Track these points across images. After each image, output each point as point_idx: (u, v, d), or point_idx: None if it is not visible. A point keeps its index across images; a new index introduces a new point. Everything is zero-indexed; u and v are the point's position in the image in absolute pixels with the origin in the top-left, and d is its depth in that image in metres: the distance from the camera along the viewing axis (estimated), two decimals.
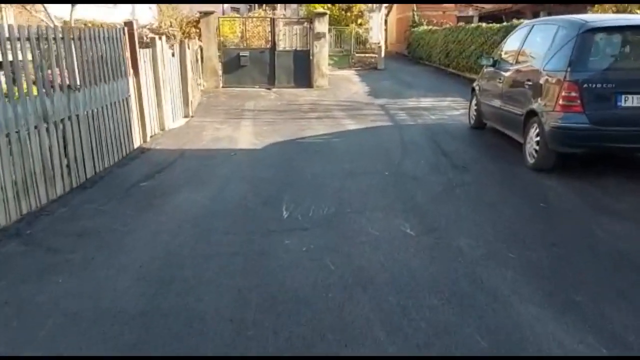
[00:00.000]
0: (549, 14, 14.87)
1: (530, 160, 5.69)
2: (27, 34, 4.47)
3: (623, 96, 5.02)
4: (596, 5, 13.43)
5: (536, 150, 5.56)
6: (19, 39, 4.33)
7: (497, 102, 6.83)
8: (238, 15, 23.09)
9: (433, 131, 7.91)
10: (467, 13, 24.88)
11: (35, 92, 4.57)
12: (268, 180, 5.37)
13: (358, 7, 26.12)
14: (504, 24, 13.30)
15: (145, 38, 9.88)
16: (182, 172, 5.72)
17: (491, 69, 7.32)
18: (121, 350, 2.53)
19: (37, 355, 2.52)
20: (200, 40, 13.41)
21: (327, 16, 14.29)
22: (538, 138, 5.51)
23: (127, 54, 6.62)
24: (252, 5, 25.36)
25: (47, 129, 4.68)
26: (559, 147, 5.32)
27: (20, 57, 4.36)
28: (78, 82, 5.29)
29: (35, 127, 4.50)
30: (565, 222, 4.21)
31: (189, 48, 9.89)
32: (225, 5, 28.55)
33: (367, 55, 22.21)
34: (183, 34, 13.80)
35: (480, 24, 15.32)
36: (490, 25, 14.05)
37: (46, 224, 4.19)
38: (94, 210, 4.50)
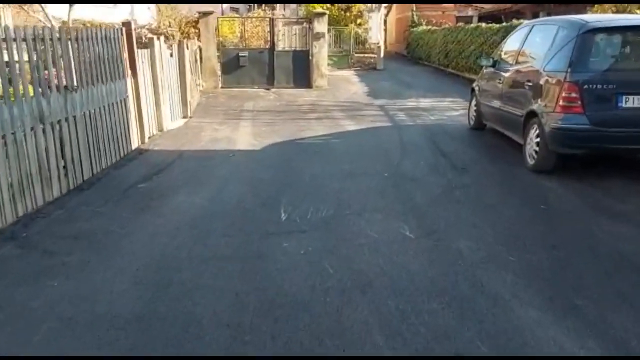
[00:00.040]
0: (549, 14, 14.85)
1: (530, 162, 5.66)
2: (23, 35, 4.44)
3: (624, 97, 4.99)
4: (596, 6, 13.41)
5: (536, 152, 5.53)
6: (14, 40, 4.30)
7: (496, 103, 6.80)
8: (237, 16, 23.06)
9: (432, 132, 7.89)
10: (466, 13, 24.85)
11: (31, 93, 4.53)
12: (267, 182, 5.33)
13: (357, 7, 26.11)
14: (504, 24, 13.28)
15: (144, 38, 9.85)
16: (180, 174, 5.68)
17: (491, 69, 7.29)
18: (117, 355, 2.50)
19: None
20: (199, 41, 13.38)
21: (326, 16, 14.27)
22: (538, 139, 5.48)
23: (125, 55, 6.59)
24: (252, 5, 25.33)
25: (44, 130, 4.64)
26: (559, 148, 5.29)
27: (16, 58, 4.32)
28: (75, 83, 5.26)
29: (32, 129, 4.46)
30: (566, 224, 4.18)
31: (187, 48, 9.86)
32: (225, 6, 28.51)
33: (366, 55, 22.21)
34: (182, 34, 13.77)
35: (479, 24, 15.30)
36: (490, 25, 14.02)
37: (42, 226, 4.15)
38: (91, 212, 4.46)
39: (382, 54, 19.67)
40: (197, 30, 13.92)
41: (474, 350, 2.51)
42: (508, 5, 19.89)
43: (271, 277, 3.25)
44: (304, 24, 15.29)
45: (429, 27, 22.30)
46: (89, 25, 12.07)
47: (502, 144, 6.81)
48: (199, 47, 13.03)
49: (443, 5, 25.11)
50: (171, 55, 8.83)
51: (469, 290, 3.07)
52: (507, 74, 6.59)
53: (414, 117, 9.26)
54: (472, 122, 8.07)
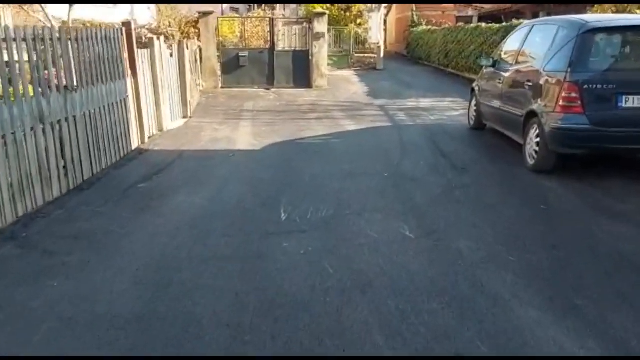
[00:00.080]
0: (549, 14, 14.85)
1: (530, 162, 5.66)
2: (23, 35, 4.44)
3: (624, 97, 4.99)
4: (596, 5, 13.40)
5: (536, 152, 5.53)
6: (14, 40, 4.30)
7: (496, 103, 6.79)
8: (237, 15, 23.05)
9: (432, 132, 7.89)
10: (466, 13, 24.85)
11: (31, 93, 4.53)
12: (267, 182, 5.33)
13: (357, 7, 26.10)
14: (504, 24, 13.28)
15: (144, 38, 9.85)
16: (180, 174, 5.68)
17: (491, 69, 7.29)
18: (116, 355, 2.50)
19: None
20: (199, 41, 13.38)
21: (326, 16, 14.26)
22: (538, 139, 5.48)
23: (125, 55, 6.59)
24: (252, 5, 25.32)
25: (44, 130, 4.64)
26: (559, 148, 5.29)
27: (16, 58, 4.32)
28: (75, 83, 5.26)
29: (32, 129, 4.46)
30: (566, 224, 4.17)
31: (187, 48, 9.86)
32: (225, 5, 28.50)
33: (366, 55, 22.21)
34: (182, 34, 13.77)
35: (479, 24, 15.29)
36: (490, 25, 14.02)
37: (42, 226, 4.15)
38: (91, 212, 4.46)
39: (382, 54, 19.67)
40: (197, 30, 13.92)
41: (474, 351, 2.51)
42: (508, 5, 19.89)
43: (271, 277, 3.25)
44: (304, 24, 15.29)
45: (429, 27, 22.29)
46: (89, 25, 12.08)
47: (502, 144, 6.81)
48: (199, 47, 13.03)
49: (443, 5, 25.11)
50: (171, 55, 8.83)
51: (469, 290, 3.07)
52: (507, 74, 6.59)
53: (414, 117, 9.26)
54: (472, 122, 8.07)
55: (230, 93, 12.83)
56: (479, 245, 3.73)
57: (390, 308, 2.87)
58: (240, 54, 13.81)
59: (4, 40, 4.18)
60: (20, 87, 4.37)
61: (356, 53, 22.52)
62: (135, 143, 6.84)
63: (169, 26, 13.63)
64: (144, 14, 15.03)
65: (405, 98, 11.86)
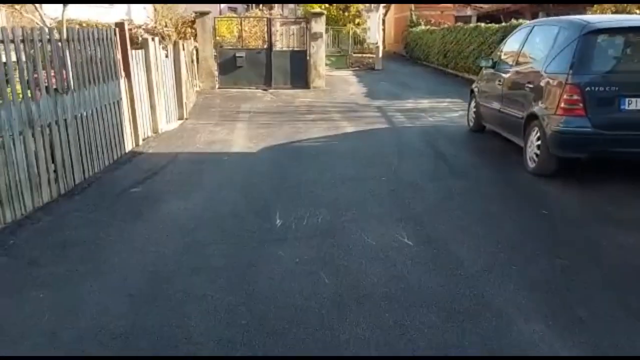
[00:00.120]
0: (548, 15, 14.75)
1: (531, 165, 5.55)
2: (12, 36, 4.31)
3: (627, 99, 4.89)
4: (595, 5, 13.30)
5: (537, 155, 5.42)
6: (1, 42, 4.17)
7: (496, 105, 6.68)
8: (235, 15, 22.92)
9: (431, 134, 7.78)
10: (465, 13, 24.76)
11: (20, 97, 4.41)
12: (262, 186, 5.22)
13: (356, 7, 25.97)
14: (503, 24, 13.17)
15: (140, 38, 9.73)
16: (173, 178, 5.56)
17: (490, 70, 7.18)
18: None
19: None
20: (196, 41, 13.24)
21: (324, 16, 14.15)
22: (539, 142, 5.37)
23: (119, 56, 6.47)
24: (250, 5, 25.18)
25: (33, 135, 4.52)
26: (560, 151, 5.18)
27: (4, 59, 4.20)
28: (66, 85, 5.13)
29: (20, 133, 4.34)
30: (569, 231, 4.06)
31: (183, 49, 9.74)
32: (223, 5, 28.42)
33: (364, 55, 22.09)
34: (178, 34, 13.62)
35: (478, 24, 15.17)
36: (489, 25, 13.91)
37: (30, 233, 4.03)
38: (81, 218, 4.35)
39: (380, 54, 19.57)
40: (193, 31, 13.78)
41: None
42: (507, 5, 19.79)
43: (264, 288, 3.13)
44: (302, 24, 15.17)
45: (428, 27, 22.19)
46: (84, 25, 11.95)
47: (501, 146, 6.70)
48: (196, 47, 12.90)
49: (442, 5, 25.02)
50: (166, 56, 8.71)
51: (470, 303, 2.95)
52: (507, 75, 6.48)
53: (413, 119, 9.14)
54: (471, 124, 7.96)
55: (227, 94, 12.70)
56: (479, 253, 3.62)
57: (388, 321, 2.76)
58: (237, 54, 13.69)
59: None
60: (8, 90, 4.24)
61: (354, 53, 22.38)
62: (129, 146, 6.72)
63: (165, 26, 13.48)
64: (141, 14, 14.85)
65: (403, 99, 11.74)
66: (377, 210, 4.49)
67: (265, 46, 14.09)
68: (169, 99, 8.67)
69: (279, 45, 15.23)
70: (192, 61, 11.95)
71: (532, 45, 6.17)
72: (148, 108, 7.58)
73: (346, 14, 25.77)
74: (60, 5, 9.51)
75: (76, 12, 12.89)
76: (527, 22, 8.78)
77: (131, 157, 6.46)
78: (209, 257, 3.57)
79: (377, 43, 19.81)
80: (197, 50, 12.95)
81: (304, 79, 13.88)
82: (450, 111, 9.98)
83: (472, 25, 15.87)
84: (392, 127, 8.48)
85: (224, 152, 6.75)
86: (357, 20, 25.71)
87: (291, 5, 27.69)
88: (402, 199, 4.83)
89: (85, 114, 5.45)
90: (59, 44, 5.06)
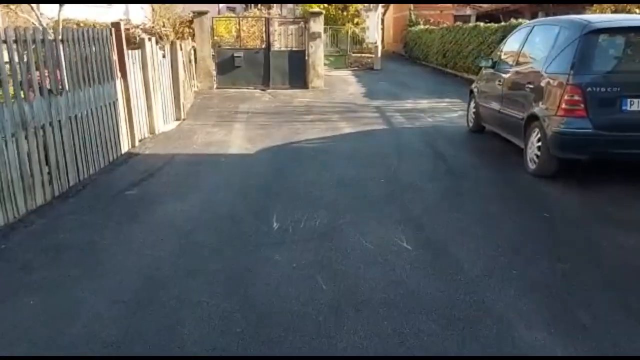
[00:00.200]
0: (547, 14, 14.70)
1: (532, 166, 5.49)
2: (4, 37, 4.24)
3: (628, 100, 4.82)
4: (595, 5, 13.26)
5: (537, 156, 5.36)
6: None
7: (496, 105, 6.62)
8: (233, 15, 22.83)
9: (430, 134, 7.71)
10: (464, 12, 24.71)
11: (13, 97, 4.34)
12: (259, 188, 5.15)
13: (355, 7, 25.89)
14: (502, 23, 13.11)
15: (137, 38, 9.65)
16: (170, 179, 5.49)
17: (490, 70, 7.11)
18: None
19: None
20: (194, 41, 13.16)
21: (323, 16, 14.07)
22: (539, 143, 5.31)
23: (114, 56, 6.40)
24: (248, 5, 25.09)
25: (26, 136, 4.45)
26: (561, 153, 5.12)
27: None
28: (60, 86, 5.06)
29: (13, 135, 4.27)
30: (570, 234, 4.00)
31: (181, 49, 9.66)
32: (221, 5, 28.31)
33: (363, 55, 22.01)
34: (176, 34, 13.54)
35: (478, 23, 15.10)
36: (489, 25, 13.85)
37: (23, 236, 3.97)
38: (75, 221, 4.28)
39: (379, 54, 19.50)
40: (191, 30, 13.71)
41: None
42: (506, 5, 19.74)
43: (261, 294, 3.07)
44: (300, 24, 15.09)
45: (427, 26, 22.13)
46: (82, 25, 11.85)
47: (501, 147, 6.64)
48: (194, 47, 12.82)
49: (441, 5, 24.96)
50: (164, 56, 8.63)
51: (470, 309, 2.89)
52: (507, 76, 6.41)
53: (412, 119, 9.08)
54: (471, 125, 7.89)
55: (225, 94, 12.63)
56: (479, 257, 3.55)
57: (386, 329, 2.69)
58: (235, 54, 13.61)
59: None
60: (0, 91, 4.17)
61: (353, 53, 22.31)
62: (125, 147, 6.65)
63: (163, 26, 13.39)
64: (139, 14, 14.76)
65: (402, 99, 11.68)
66: (375, 213, 4.43)
67: (264, 46, 14.01)
68: (166, 99, 8.60)
69: (278, 45, 15.15)
70: (190, 61, 11.87)
71: (533, 45, 6.10)
72: (145, 109, 7.51)
73: (345, 13, 25.69)
74: (56, 5, 9.43)
75: (74, 12, 12.80)
76: (527, 21, 8.72)
77: (127, 158, 6.39)
78: (205, 261, 3.50)
79: (376, 43, 19.75)
80: (195, 50, 12.87)
81: (302, 79, 13.80)
82: (449, 111, 9.91)
83: (471, 24, 15.80)
84: (391, 128, 8.41)
85: (222, 153, 6.68)
86: (356, 20, 25.63)
87: (290, 5, 27.60)
88: (401, 200, 4.77)
89: (80, 115, 5.38)
90: (53, 44, 4.98)
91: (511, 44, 6.79)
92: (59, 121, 4.98)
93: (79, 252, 3.66)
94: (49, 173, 4.82)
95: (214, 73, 13.56)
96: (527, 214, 4.43)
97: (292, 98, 12.03)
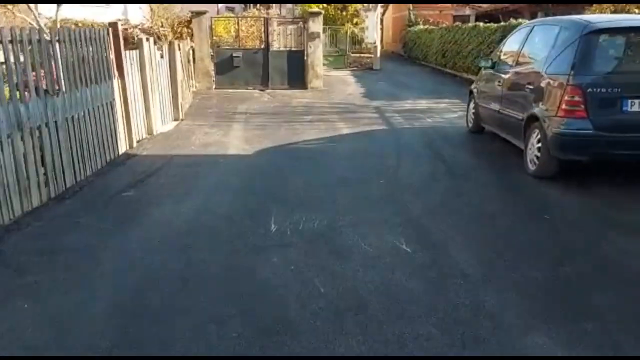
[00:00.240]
0: (546, 15, 14.66)
1: (532, 167, 5.45)
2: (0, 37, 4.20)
3: (629, 101, 4.78)
4: (594, 5, 13.22)
5: (537, 157, 5.32)
6: None
7: (495, 106, 6.58)
8: (232, 15, 22.78)
9: (430, 135, 7.67)
10: (463, 12, 24.67)
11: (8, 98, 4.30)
12: (257, 190, 5.11)
13: (354, 7, 25.83)
14: (502, 23, 13.07)
15: (135, 38, 9.60)
16: (167, 181, 5.45)
17: (490, 70, 7.07)
18: None
19: None
20: (193, 41, 13.12)
21: (322, 16, 14.03)
22: (539, 144, 5.27)
23: (112, 56, 6.35)
24: (247, 5, 25.05)
25: (22, 137, 4.41)
26: (561, 154, 5.08)
27: None
28: (57, 87, 5.02)
29: (8, 136, 4.23)
30: (571, 237, 3.96)
31: (179, 49, 9.62)
32: (220, 5, 28.27)
33: (362, 55, 21.96)
34: (175, 34, 13.49)
35: (477, 23, 15.06)
36: (488, 25, 13.81)
37: (18, 239, 3.92)
38: (71, 223, 4.23)
39: (378, 54, 19.46)
40: (190, 30, 13.66)
41: None
42: (506, 5, 19.71)
43: (258, 298, 3.03)
44: (299, 24, 15.03)
45: (426, 26, 22.09)
46: (80, 25, 11.81)
47: (501, 148, 6.60)
48: (192, 47, 12.77)
49: (440, 5, 24.92)
50: (162, 56, 8.58)
51: (470, 313, 2.85)
52: (506, 76, 6.38)
53: (411, 120, 9.04)
54: (470, 125, 7.86)
55: (224, 94, 12.58)
56: (480, 260, 3.51)
57: (385, 334, 2.65)
58: (234, 54, 13.56)
59: None
60: None
61: (352, 53, 22.26)
62: (122, 148, 6.61)
63: (161, 26, 13.35)
64: (137, 14, 14.73)
65: (402, 99, 11.63)
66: (374, 214, 4.39)
67: (263, 46, 13.97)
68: (164, 99, 8.55)
69: (277, 45, 15.10)
70: (189, 61, 11.83)
71: (532, 46, 6.07)
72: (142, 109, 7.46)
73: (344, 13, 25.63)
74: (53, 5, 9.40)
75: (72, 12, 12.77)
76: (527, 21, 8.68)
77: (125, 159, 6.34)
78: (201, 264, 3.46)
79: (375, 43, 19.68)
80: (193, 50, 12.82)
81: (301, 79, 13.76)
82: (449, 112, 9.87)
83: (470, 24, 15.77)
84: (391, 129, 8.37)
85: (220, 154, 6.64)
86: (355, 20, 25.54)
87: (289, 5, 27.57)
88: (401, 202, 4.73)
89: (76, 115, 5.34)
90: (49, 44, 4.94)
91: (511, 44, 6.75)
92: (56, 122, 4.93)
93: (74, 256, 3.62)
94: (45, 174, 4.77)
95: (213, 73, 13.52)
96: (527, 217, 4.39)
97: (291, 98, 11.99)
